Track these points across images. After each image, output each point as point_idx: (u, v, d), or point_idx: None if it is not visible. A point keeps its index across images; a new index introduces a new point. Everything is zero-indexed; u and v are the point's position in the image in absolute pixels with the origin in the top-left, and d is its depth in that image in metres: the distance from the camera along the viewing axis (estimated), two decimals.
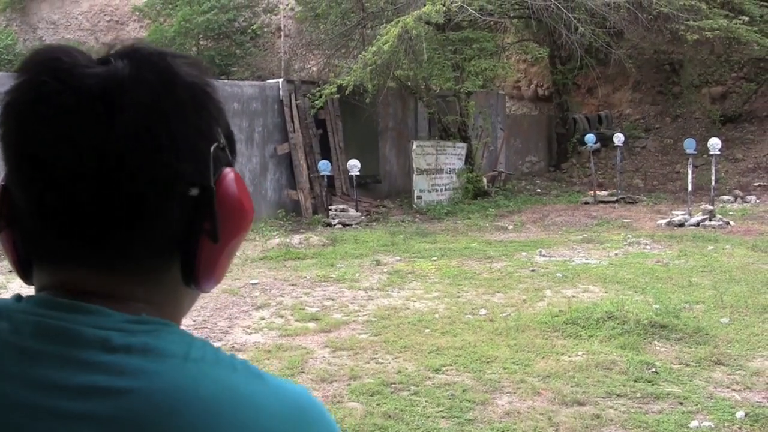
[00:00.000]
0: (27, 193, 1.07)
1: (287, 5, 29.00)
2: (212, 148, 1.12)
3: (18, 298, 1.09)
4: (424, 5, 19.48)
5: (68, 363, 1.00)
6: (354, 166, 19.12)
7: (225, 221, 1.13)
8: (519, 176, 26.46)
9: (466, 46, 21.68)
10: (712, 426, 6.29)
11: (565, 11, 20.84)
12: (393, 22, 19.60)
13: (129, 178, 1.04)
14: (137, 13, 32.40)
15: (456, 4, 19.65)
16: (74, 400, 0.98)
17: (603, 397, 6.93)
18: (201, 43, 29.56)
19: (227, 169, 1.15)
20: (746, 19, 22.68)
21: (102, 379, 0.98)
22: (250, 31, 30.44)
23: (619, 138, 21.88)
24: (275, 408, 1.04)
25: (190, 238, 1.11)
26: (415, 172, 21.25)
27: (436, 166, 21.74)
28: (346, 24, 23.95)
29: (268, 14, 30.64)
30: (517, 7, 22.89)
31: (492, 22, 22.56)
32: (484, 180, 23.09)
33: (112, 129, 1.03)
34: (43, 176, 1.05)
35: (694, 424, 6.32)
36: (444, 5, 19.40)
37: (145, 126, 1.05)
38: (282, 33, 29.45)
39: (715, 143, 18.18)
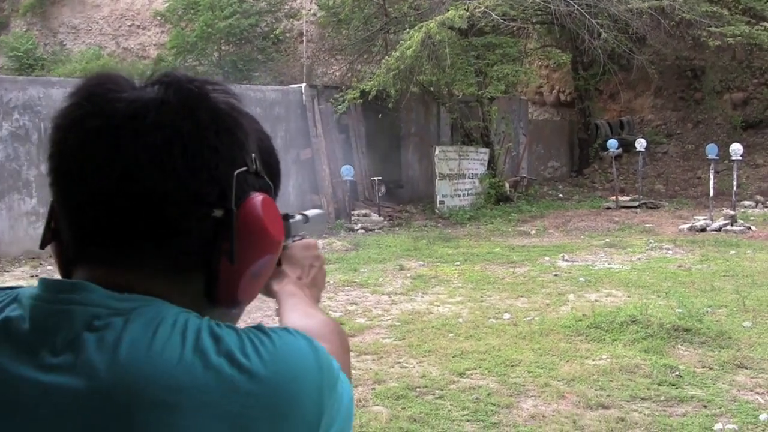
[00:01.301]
0: (63, 207, 1.19)
1: (309, 10, 29.06)
2: (236, 172, 1.19)
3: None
4: (448, 11, 19.54)
5: (53, 343, 1.10)
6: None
7: (246, 244, 1.20)
8: (541, 181, 26.47)
9: (489, 51, 21.70)
10: (736, 429, 6.33)
11: (588, 17, 20.85)
12: (416, 28, 19.67)
13: (147, 196, 1.14)
14: (159, 18, 32.46)
15: (479, 10, 19.69)
16: (54, 374, 1.08)
17: (627, 401, 6.97)
18: (223, 48, 29.59)
19: (256, 194, 1.22)
20: None
21: (79, 356, 1.08)
22: (272, 36, 30.48)
23: (640, 143, 21.89)
24: (218, 387, 1.07)
25: (212, 258, 1.19)
26: (438, 177, 21.27)
27: (459, 171, 21.77)
28: (368, 29, 24.04)
29: (291, 19, 30.68)
30: (539, 12, 22.90)
31: (515, 28, 22.57)
32: (507, 185, 23.12)
33: (133, 149, 1.13)
34: (75, 191, 1.17)
35: (718, 426, 6.36)
36: (467, 10, 19.44)
37: (164, 147, 1.13)
38: (304, 38, 29.54)
39: (736, 149, 18.16)
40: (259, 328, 1.16)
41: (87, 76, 1.21)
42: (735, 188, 18.73)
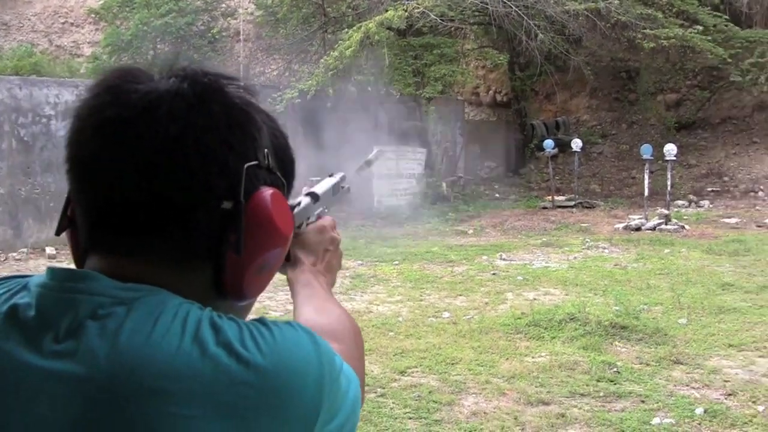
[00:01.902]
0: (77, 194, 1.21)
1: (246, 9, 28.95)
2: (246, 166, 1.19)
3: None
4: (386, 11, 19.59)
5: (57, 330, 1.12)
6: None
7: (254, 237, 1.21)
8: (478, 181, 26.58)
9: (427, 51, 21.78)
10: (673, 422, 6.46)
11: (525, 18, 21.02)
12: (355, 27, 19.70)
13: (157, 186, 1.15)
14: (93, 15, 32.03)
15: (418, 10, 19.77)
16: (57, 360, 1.10)
17: (567, 397, 7.07)
18: (158, 46, 29.28)
19: (266, 188, 1.23)
20: (700, 28, 23.01)
21: (81, 343, 1.10)
22: (209, 35, 30.28)
23: (576, 144, 22.11)
24: (211, 375, 1.08)
25: (219, 249, 1.19)
26: (375, 177, 21.29)
27: (397, 171, 21.80)
28: (306, 29, 24.02)
29: (228, 18, 30.50)
30: (477, 13, 23.00)
31: (452, 28, 22.69)
32: (444, 185, 23.22)
33: (146, 140, 1.15)
34: (88, 179, 1.19)
35: (655, 421, 6.48)
36: (406, 11, 19.51)
37: (176, 138, 1.15)
38: (241, 37, 29.40)
39: (670, 149, 18.40)
40: (260, 320, 1.17)
41: (106, 70, 1.23)
42: (669, 188, 18.99)
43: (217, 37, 30.49)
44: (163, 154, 1.14)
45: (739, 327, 9.36)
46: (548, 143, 23.28)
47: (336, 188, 1.95)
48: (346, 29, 20.78)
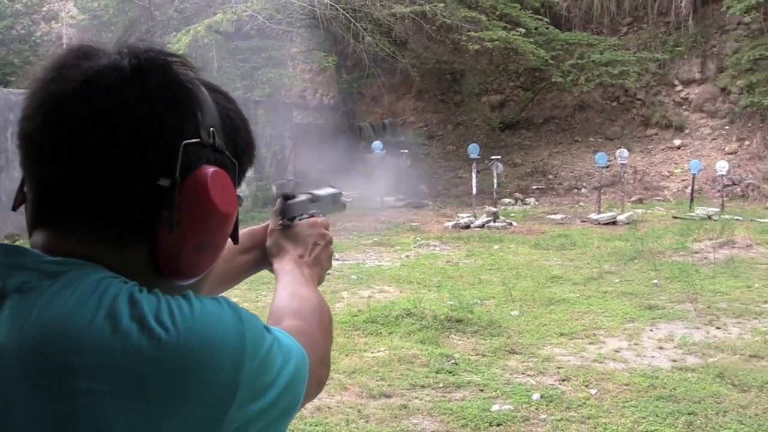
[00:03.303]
0: (25, 169, 1.21)
1: (69, 13, 28.24)
2: (184, 143, 1.17)
3: None
4: (215, 14, 19.46)
5: None
6: None
7: (191, 215, 1.19)
8: (307, 183, 26.61)
9: (255, 54, 21.77)
10: (512, 408, 6.68)
11: (352, 21, 21.22)
12: (183, 31, 19.50)
13: (91, 161, 1.14)
14: None
15: (246, 13, 19.71)
16: None
17: (408, 389, 7.20)
18: None
19: (208, 167, 1.20)
20: (523, 31, 23.76)
21: (1, 315, 1.10)
22: (30, 39, 29.40)
23: (404, 145, 22.42)
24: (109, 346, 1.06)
25: (153, 226, 1.17)
26: None
27: None
28: (133, 32, 23.53)
29: (50, 22, 29.70)
30: (304, 16, 23.09)
31: (280, 31, 22.70)
32: (274, 188, 23.15)
33: (82, 113, 1.14)
34: (33, 154, 1.19)
35: (495, 407, 6.68)
36: (235, 14, 19.42)
37: (108, 111, 1.14)
38: (64, 42, 28.66)
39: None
40: (185, 295, 1.14)
41: (65, 48, 1.23)
42: (496, 186, 19.50)
43: (38, 41, 29.62)
44: (97, 129, 1.14)
45: (569, 317, 9.74)
46: (377, 145, 23.55)
47: (336, 198, 2.00)
48: (174, 33, 20.53)
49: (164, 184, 1.16)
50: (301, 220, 1.78)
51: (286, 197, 1.78)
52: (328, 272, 1.84)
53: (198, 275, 1.25)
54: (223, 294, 1.42)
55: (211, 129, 1.23)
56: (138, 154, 1.15)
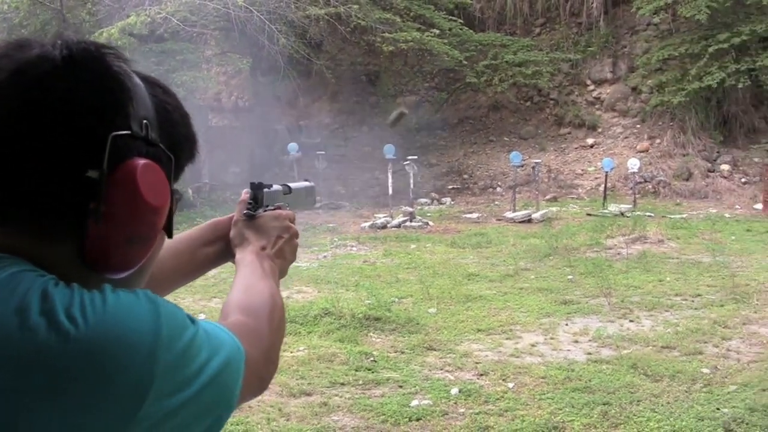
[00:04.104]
0: None
1: None
2: (113, 134, 1.15)
3: None
4: (128, 17, 19.27)
5: None
6: None
7: (120, 208, 1.16)
8: (223, 187, 26.46)
9: (169, 57, 21.58)
10: (431, 403, 6.78)
11: (267, 23, 21.17)
12: (97, 33, 19.26)
13: (18, 152, 1.12)
14: None
15: (160, 16, 19.55)
16: None
17: (328, 387, 7.26)
18: None
19: (139, 160, 1.18)
20: (437, 32, 23.93)
21: None
22: None
23: (319, 147, 22.45)
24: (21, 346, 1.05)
25: (82, 219, 1.15)
26: None
27: None
28: (45, 35, 23.20)
29: None
30: (219, 19, 22.96)
31: (194, 34, 22.55)
32: (190, 191, 23.00)
33: (10, 104, 1.13)
34: None
35: (414, 403, 6.78)
36: (149, 16, 19.25)
37: (36, 101, 1.13)
38: None
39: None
40: (102, 288, 1.12)
41: (1, 40, 1.20)
42: (412, 186, 19.61)
43: None
44: (25, 119, 1.12)
45: (486, 313, 9.88)
46: (292, 147, 23.53)
47: (309, 191, 2.00)
48: (87, 35, 20.26)
49: (92, 175, 1.14)
50: (265, 211, 1.78)
51: (260, 186, 1.78)
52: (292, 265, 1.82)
53: (130, 269, 1.23)
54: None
55: (144, 121, 1.21)
56: (66, 145, 1.13)
